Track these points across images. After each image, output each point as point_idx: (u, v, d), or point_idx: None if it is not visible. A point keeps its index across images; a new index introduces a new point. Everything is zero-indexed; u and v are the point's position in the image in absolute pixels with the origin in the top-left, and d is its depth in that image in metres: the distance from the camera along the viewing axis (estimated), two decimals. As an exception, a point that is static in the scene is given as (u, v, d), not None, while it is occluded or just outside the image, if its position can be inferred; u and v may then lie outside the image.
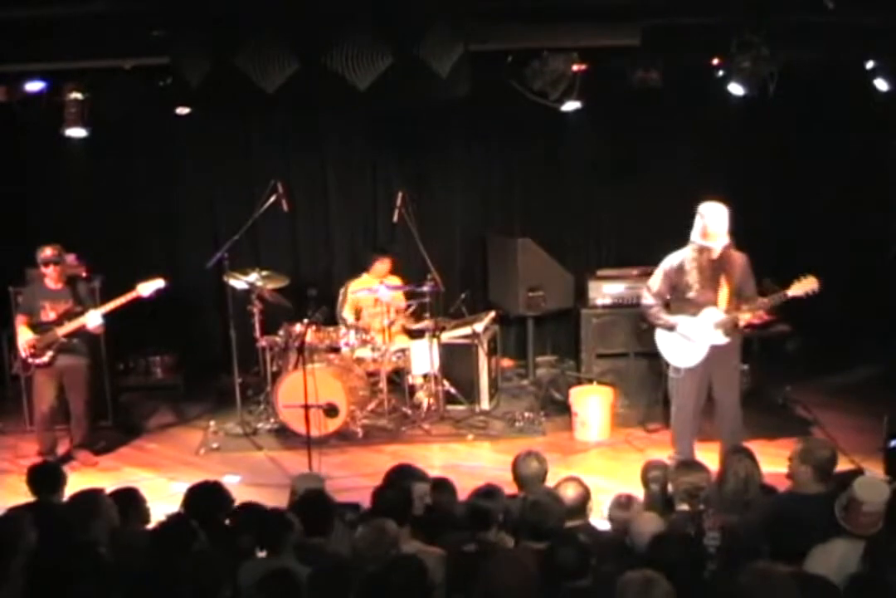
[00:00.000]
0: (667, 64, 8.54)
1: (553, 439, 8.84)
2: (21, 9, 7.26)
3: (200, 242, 10.34)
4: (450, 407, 9.44)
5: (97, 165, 10.19)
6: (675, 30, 8.13)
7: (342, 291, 9.74)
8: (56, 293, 8.37)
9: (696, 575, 4.41)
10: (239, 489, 6.70)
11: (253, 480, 7.90)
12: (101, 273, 9.37)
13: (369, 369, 9.35)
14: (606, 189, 10.72)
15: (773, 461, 6.35)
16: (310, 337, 8.78)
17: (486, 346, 9.54)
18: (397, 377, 9.65)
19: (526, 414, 9.32)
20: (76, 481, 6.75)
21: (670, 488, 5.50)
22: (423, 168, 10.70)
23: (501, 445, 8.75)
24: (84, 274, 9.17)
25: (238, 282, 9.14)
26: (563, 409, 9.18)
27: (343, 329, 9.23)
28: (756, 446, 6.43)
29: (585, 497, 5.36)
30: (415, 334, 9.66)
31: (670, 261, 7.43)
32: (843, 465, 6.78)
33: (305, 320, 8.78)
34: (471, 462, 8.41)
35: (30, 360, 8.31)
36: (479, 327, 9.55)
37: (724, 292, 7.30)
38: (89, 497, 5.31)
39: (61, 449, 8.65)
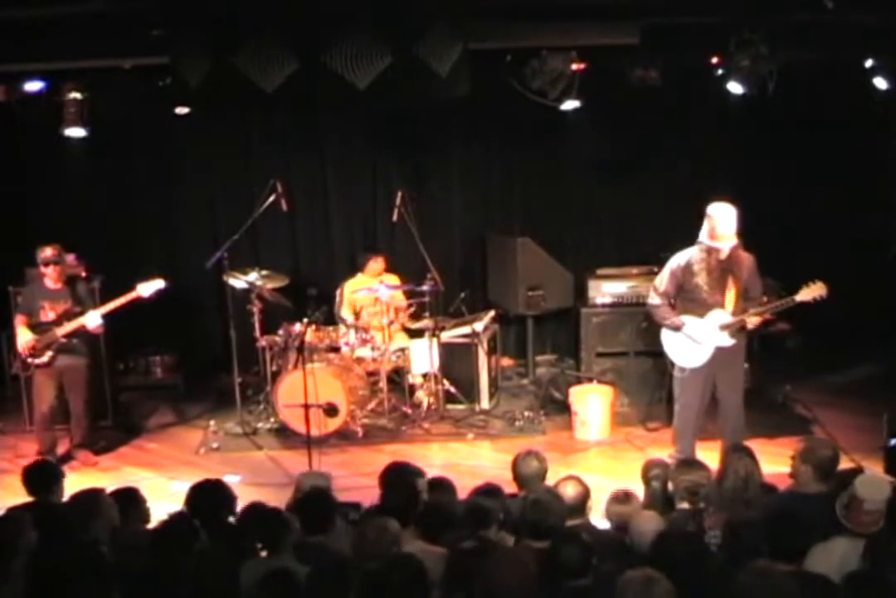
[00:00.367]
0: (666, 63, 8.54)
1: (553, 439, 8.84)
2: (20, 8, 7.26)
3: (200, 242, 10.34)
4: (450, 406, 9.44)
5: (96, 164, 10.19)
6: (674, 29, 8.13)
7: (338, 291, 9.74)
8: (55, 293, 8.37)
9: (697, 574, 4.41)
10: (239, 489, 6.63)
11: (253, 479, 7.90)
12: (100, 273, 9.38)
13: (369, 369, 9.35)
14: (606, 188, 10.72)
15: (773, 460, 6.36)
16: (309, 337, 8.78)
17: (485, 345, 9.54)
18: (397, 377, 9.65)
19: (526, 413, 9.32)
20: (76, 481, 6.76)
21: (671, 486, 5.50)
22: (422, 167, 10.70)
23: (501, 444, 8.75)
24: (83, 274, 9.17)
25: (238, 281, 9.14)
26: (563, 408, 9.18)
27: (343, 329, 9.23)
28: (756, 445, 6.43)
29: (585, 496, 5.36)
30: (414, 334, 9.67)
31: (677, 260, 7.42)
32: (843, 464, 6.79)
33: (305, 320, 8.78)
34: (471, 461, 8.41)
35: (29, 360, 8.32)
36: (478, 326, 9.55)
37: (731, 294, 7.30)
38: (90, 497, 5.31)
39: (61, 449, 8.65)
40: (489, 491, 5.53)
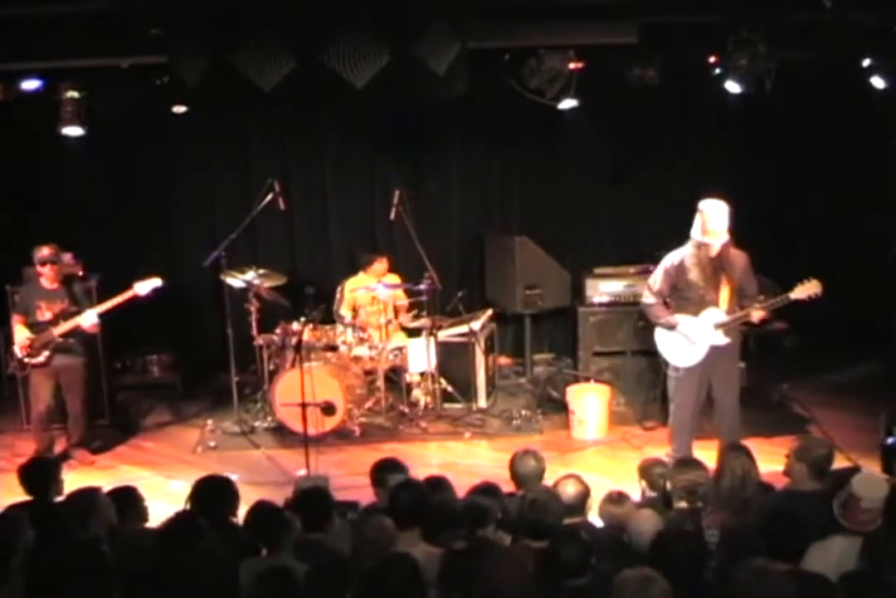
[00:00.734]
0: (664, 62, 8.53)
1: (550, 438, 8.84)
2: (18, 7, 7.25)
3: (198, 241, 10.32)
4: (447, 405, 9.44)
5: (94, 163, 10.17)
6: (672, 28, 8.13)
7: (339, 289, 9.73)
8: (52, 293, 8.36)
9: (695, 573, 4.41)
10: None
11: (250, 478, 7.89)
12: (98, 272, 9.38)
13: (366, 368, 9.35)
14: (604, 187, 10.72)
15: (770, 459, 6.36)
16: (307, 335, 8.78)
17: (483, 344, 9.54)
18: (394, 376, 9.64)
19: (523, 412, 9.32)
20: (73, 480, 6.74)
21: (668, 485, 5.50)
22: (420, 167, 10.70)
23: (499, 443, 8.75)
24: (81, 273, 9.17)
25: (235, 280, 9.13)
26: (561, 407, 9.18)
27: (340, 328, 9.23)
28: (753, 444, 6.43)
29: (585, 495, 5.36)
30: (412, 333, 9.67)
31: (671, 259, 7.42)
32: (840, 462, 6.79)
33: (303, 319, 8.78)
34: (468, 460, 8.42)
35: (26, 360, 8.31)
36: (476, 325, 9.56)
37: (725, 292, 7.30)
38: (86, 496, 5.30)
39: (58, 448, 8.64)
40: (486, 490, 5.53)
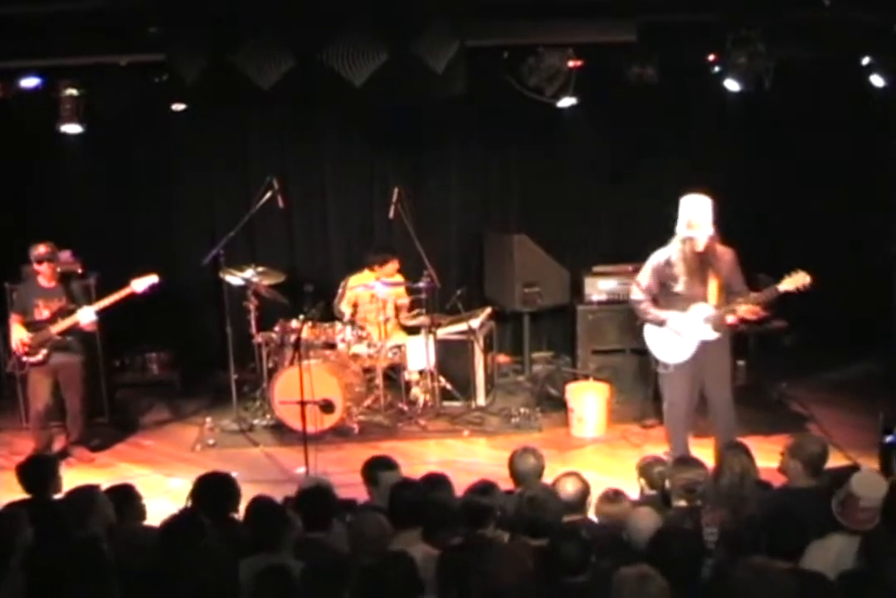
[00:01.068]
0: (663, 60, 8.53)
1: (549, 436, 8.85)
2: (16, 5, 7.24)
3: (197, 239, 10.33)
4: (446, 403, 9.44)
5: (93, 161, 10.16)
6: (671, 26, 8.13)
7: (342, 284, 9.72)
8: (49, 291, 8.36)
9: (694, 571, 4.42)
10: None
11: (249, 476, 7.87)
12: (97, 270, 9.37)
13: (365, 366, 9.35)
14: (602, 185, 10.73)
15: (769, 457, 6.33)
16: (306, 333, 8.77)
17: (482, 342, 9.54)
18: (393, 374, 9.64)
19: (522, 410, 9.33)
20: (72, 478, 6.74)
21: (667, 484, 5.51)
22: (419, 165, 10.70)
23: (498, 441, 8.76)
24: (79, 271, 9.17)
25: (234, 278, 9.13)
26: (560, 405, 9.19)
27: (339, 325, 9.23)
28: (751, 443, 6.42)
29: (585, 492, 5.36)
30: (411, 331, 9.67)
31: (658, 256, 7.46)
32: (839, 461, 6.82)
33: (301, 317, 8.78)
34: (467, 458, 8.42)
35: (24, 358, 8.31)
36: (475, 323, 9.56)
37: (713, 286, 7.31)
38: (85, 494, 5.30)
39: (57, 446, 8.63)
40: (485, 488, 5.53)
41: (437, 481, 5.69)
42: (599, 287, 9.70)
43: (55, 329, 8.26)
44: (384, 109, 9.66)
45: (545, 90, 8.52)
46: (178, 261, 10.41)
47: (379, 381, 9.27)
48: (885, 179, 9.74)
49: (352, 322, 9.28)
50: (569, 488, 5.34)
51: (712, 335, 7.35)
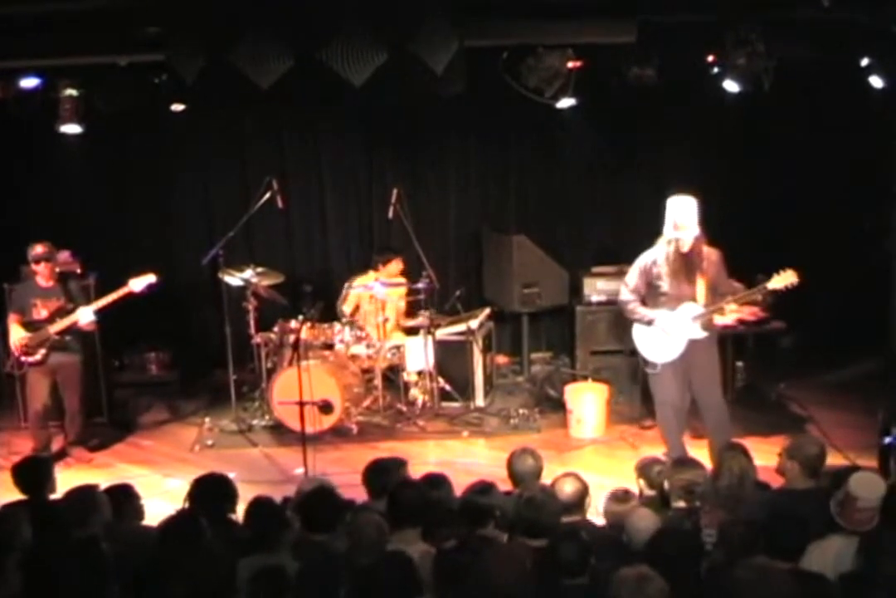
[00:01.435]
0: (663, 61, 8.52)
1: (548, 436, 8.84)
2: (16, 5, 7.24)
3: (196, 239, 10.33)
4: (445, 404, 9.44)
5: (92, 161, 10.16)
6: (670, 27, 8.13)
7: (346, 285, 9.71)
8: (47, 291, 8.36)
9: (693, 572, 4.42)
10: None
11: (248, 477, 7.86)
12: (95, 270, 9.35)
13: (364, 366, 9.35)
14: (602, 186, 10.74)
15: (767, 458, 6.33)
16: (305, 334, 8.77)
17: (480, 343, 9.54)
18: (392, 374, 9.64)
19: (521, 411, 9.33)
20: (71, 478, 6.76)
21: (666, 484, 5.50)
22: (418, 165, 10.70)
23: (496, 442, 8.76)
24: (78, 271, 9.16)
25: (233, 278, 9.13)
26: (558, 406, 9.18)
27: (338, 326, 9.22)
28: (750, 443, 6.42)
29: (583, 493, 5.36)
30: (410, 331, 9.67)
31: (645, 257, 7.53)
32: (837, 462, 6.81)
33: (300, 317, 8.78)
34: (466, 459, 8.42)
35: (22, 358, 8.31)
36: (474, 323, 9.56)
37: (700, 286, 7.36)
38: (87, 493, 5.30)
39: (56, 446, 8.63)
40: (483, 489, 5.53)
41: (436, 481, 5.69)
42: (598, 288, 9.70)
43: (53, 329, 8.25)
44: (383, 109, 9.66)
45: (545, 91, 8.51)
46: (177, 261, 10.41)
47: (378, 381, 9.27)
48: (884, 178, 9.74)
49: (351, 322, 9.28)
50: (567, 489, 5.34)
51: (700, 334, 7.39)
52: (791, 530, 4.61)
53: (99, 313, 8.34)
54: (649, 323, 7.49)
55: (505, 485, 5.82)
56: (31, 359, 8.29)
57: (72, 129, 8.70)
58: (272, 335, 9.16)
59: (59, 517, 5.17)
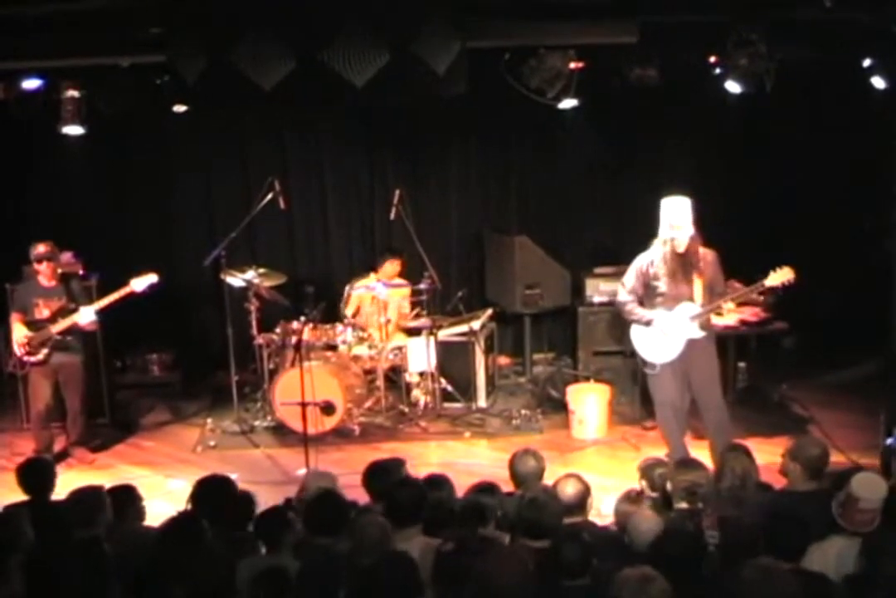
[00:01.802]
0: (664, 62, 8.52)
1: (550, 437, 8.85)
2: (17, 5, 7.24)
3: (198, 240, 10.34)
4: (447, 405, 9.44)
5: (94, 162, 10.17)
6: (672, 27, 8.12)
7: (347, 288, 9.72)
8: (49, 291, 8.37)
9: (695, 573, 4.41)
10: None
11: (250, 477, 7.86)
12: (98, 271, 9.36)
13: (366, 367, 9.35)
14: (604, 187, 10.73)
15: (770, 459, 6.34)
16: (307, 335, 8.78)
17: (483, 343, 9.54)
18: (394, 375, 9.64)
19: (523, 412, 9.33)
20: (73, 479, 6.77)
21: (668, 486, 5.50)
22: (420, 166, 10.70)
23: (498, 442, 8.76)
24: (80, 271, 9.16)
25: (235, 279, 9.13)
26: (561, 407, 9.18)
27: (340, 327, 9.23)
28: (752, 444, 6.44)
29: (585, 494, 5.36)
30: (412, 332, 9.66)
31: (641, 258, 7.57)
32: (840, 463, 6.81)
33: (302, 318, 8.78)
34: (468, 460, 8.42)
35: (24, 358, 8.32)
36: (476, 324, 9.56)
37: (697, 286, 7.39)
38: (93, 494, 5.29)
39: (57, 446, 8.65)
40: (485, 489, 5.53)
41: (437, 482, 5.69)
42: (600, 289, 9.69)
43: (55, 328, 8.26)
44: (385, 109, 9.66)
45: (546, 92, 8.50)
46: (179, 262, 10.41)
47: (380, 382, 9.26)
48: (885, 179, 9.73)
49: (352, 324, 9.28)
50: (569, 490, 5.33)
51: (699, 334, 7.40)
52: (792, 531, 4.61)
53: (100, 312, 8.35)
54: (647, 324, 7.50)
55: (507, 486, 5.81)
56: (33, 359, 8.30)
57: (73, 130, 8.69)
58: (274, 336, 9.17)
59: (62, 517, 5.17)
